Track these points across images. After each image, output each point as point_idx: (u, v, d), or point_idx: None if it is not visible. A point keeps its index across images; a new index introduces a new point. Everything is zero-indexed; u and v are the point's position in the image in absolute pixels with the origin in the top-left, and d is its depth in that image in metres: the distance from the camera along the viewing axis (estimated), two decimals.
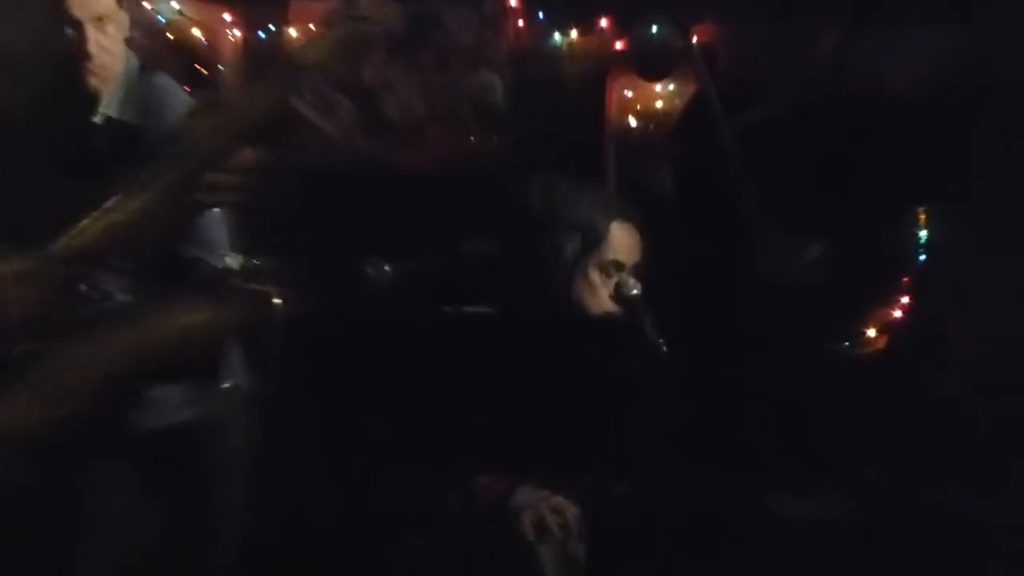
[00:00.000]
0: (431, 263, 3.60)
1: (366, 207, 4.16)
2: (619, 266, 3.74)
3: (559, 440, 3.23)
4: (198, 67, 4.59)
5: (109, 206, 3.03)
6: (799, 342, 3.90)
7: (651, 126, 4.74)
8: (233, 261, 3.26)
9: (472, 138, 4.39)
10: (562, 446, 3.24)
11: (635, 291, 3.59)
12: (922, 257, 4.08)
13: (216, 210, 3.25)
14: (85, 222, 3.01)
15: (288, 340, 3.29)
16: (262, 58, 4.51)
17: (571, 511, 3.42)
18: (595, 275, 3.71)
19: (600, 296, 3.73)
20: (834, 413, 3.83)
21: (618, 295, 3.64)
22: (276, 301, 3.18)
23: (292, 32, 4.73)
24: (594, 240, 3.70)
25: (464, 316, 3.48)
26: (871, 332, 4.09)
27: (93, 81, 3.30)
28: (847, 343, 4.06)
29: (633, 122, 4.80)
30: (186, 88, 3.54)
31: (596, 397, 3.22)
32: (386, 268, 3.46)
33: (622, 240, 3.77)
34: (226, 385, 3.42)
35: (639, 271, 3.72)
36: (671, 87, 4.73)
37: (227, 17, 4.78)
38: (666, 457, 3.31)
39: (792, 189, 4.02)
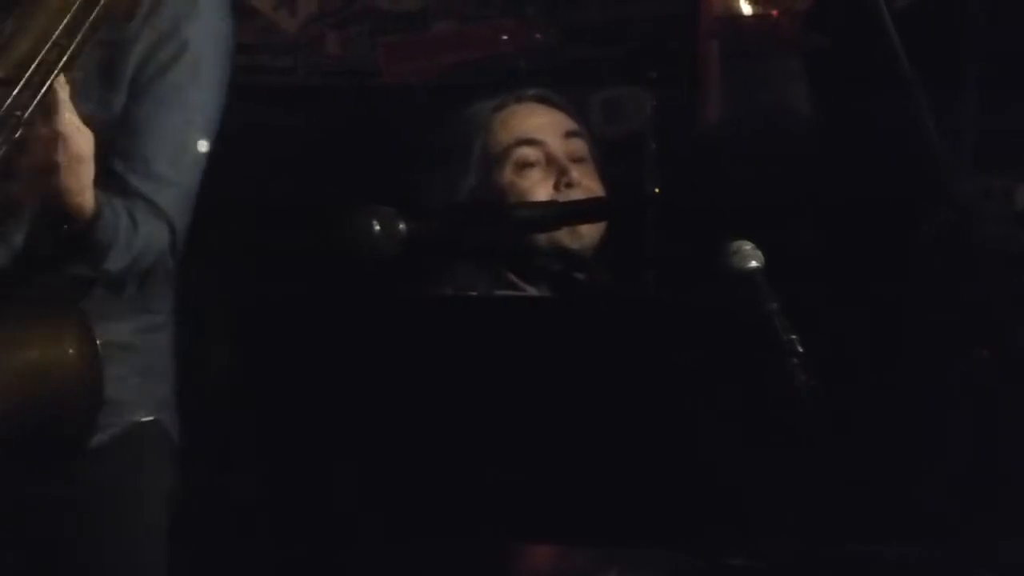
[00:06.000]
0: (476, 218, 3.34)
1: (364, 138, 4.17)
2: (534, 143, 3.60)
3: (647, 499, 2.83)
4: None
5: None
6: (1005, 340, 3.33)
7: (773, 10, 4.38)
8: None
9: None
10: (649, 509, 2.83)
11: (753, 262, 3.09)
12: None
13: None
14: None
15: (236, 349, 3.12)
16: None
17: None
18: (507, 175, 3.57)
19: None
20: None
21: (727, 268, 3.16)
22: None
23: None
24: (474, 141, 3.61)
25: (514, 304, 3.24)
26: None
27: None
28: None
29: (746, 5, 4.45)
30: None
31: (704, 429, 2.84)
32: (400, 226, 3.06)
33: (521, 119, 3.64)
34: (142, 419, 3.09)
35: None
36: None
37: None
38: (811, 523, 2.84)
39: (993, 100, 3.69)
